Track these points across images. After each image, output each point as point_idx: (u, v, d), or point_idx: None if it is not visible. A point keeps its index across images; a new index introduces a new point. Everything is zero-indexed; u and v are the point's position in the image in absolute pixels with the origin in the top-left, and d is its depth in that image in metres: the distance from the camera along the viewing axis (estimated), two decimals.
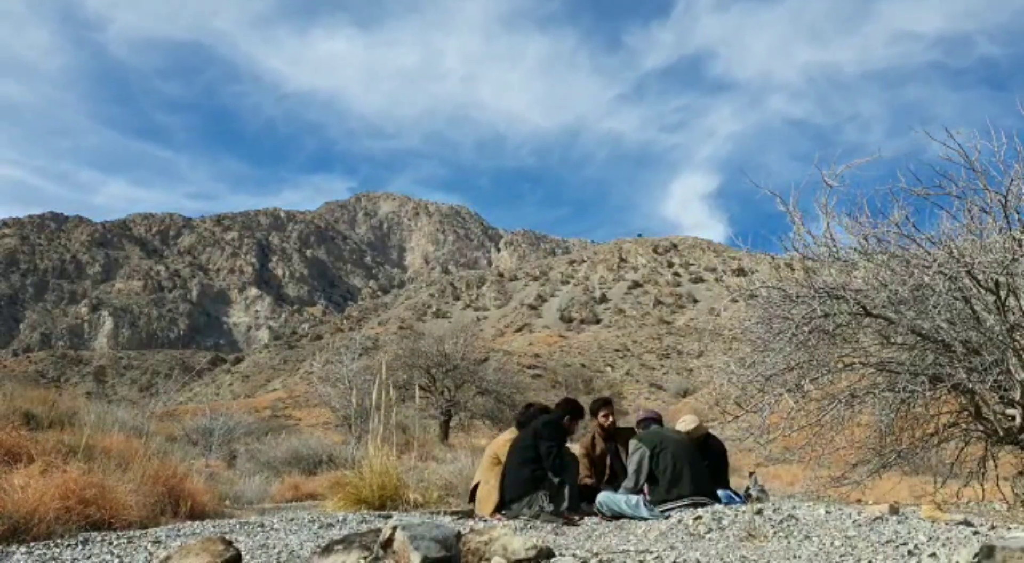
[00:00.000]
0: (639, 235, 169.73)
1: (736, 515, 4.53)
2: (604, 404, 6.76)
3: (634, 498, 5.53)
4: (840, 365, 7.04)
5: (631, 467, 5.77)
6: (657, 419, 6.31)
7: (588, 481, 6.40)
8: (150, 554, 3.85)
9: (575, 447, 6.73)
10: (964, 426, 7.49)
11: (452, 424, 27.24)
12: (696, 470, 5.65)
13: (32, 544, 4.05)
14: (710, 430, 6.64)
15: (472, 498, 6.36)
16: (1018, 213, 6.19)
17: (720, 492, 5.84)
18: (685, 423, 6.33)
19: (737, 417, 7.52)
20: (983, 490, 7.71)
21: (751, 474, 6.96)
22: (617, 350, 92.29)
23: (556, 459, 5.78)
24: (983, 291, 6.17)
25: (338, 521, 5.29)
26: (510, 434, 6.45)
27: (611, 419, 6.64)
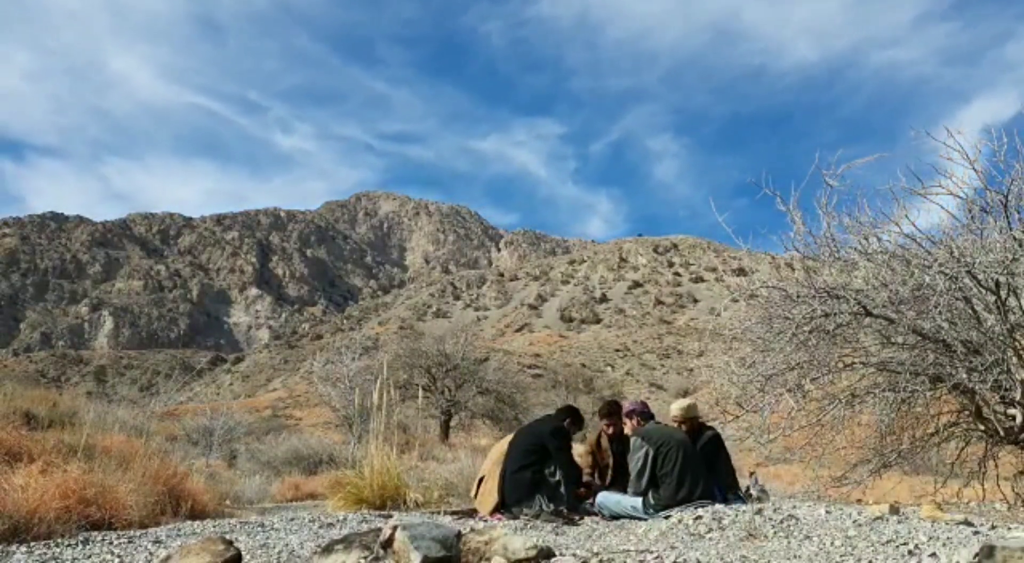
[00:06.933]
0: (639, 235, 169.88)
1: (736, 515, 4.52)
2: (610, 414, 6.49)
3: (633, 501, 5.44)
4: (840, 365, 7.03)
5: (635, 466, 5.57)
6: (646, 411, 6.06)
7: (589, 479, 6.38)
8: (150, 554, 3.85)
9: (581, 446, 6.72)
10: (965, 426, 7.49)
11: (452, 424, 27.26)
12: (700, 472, 5.53)
13: (32, 544, 4.04)
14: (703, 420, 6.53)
15: (476, 492, 6.34)
16: (1019, 213, 6.19)
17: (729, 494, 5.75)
18: (677, 404, 6.28)
19: (737, 417, 7.52)
20: (984, 490, 7.70)
21: (751, 474, 6.98)
22: (617, 350, 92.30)
23: (565, 464, 5.86)
24: (984, 291, 6.16)
25: (338, 521, 5.29)
26: None
27: (613, 429, 6.51)
